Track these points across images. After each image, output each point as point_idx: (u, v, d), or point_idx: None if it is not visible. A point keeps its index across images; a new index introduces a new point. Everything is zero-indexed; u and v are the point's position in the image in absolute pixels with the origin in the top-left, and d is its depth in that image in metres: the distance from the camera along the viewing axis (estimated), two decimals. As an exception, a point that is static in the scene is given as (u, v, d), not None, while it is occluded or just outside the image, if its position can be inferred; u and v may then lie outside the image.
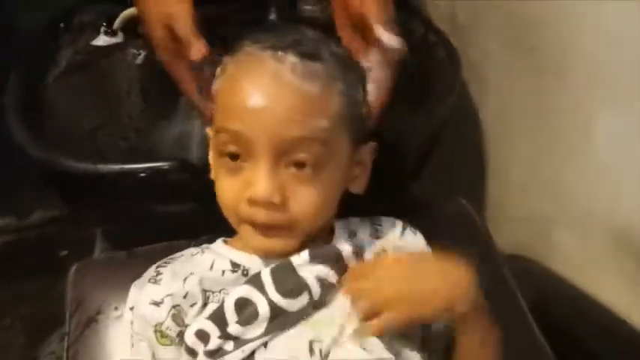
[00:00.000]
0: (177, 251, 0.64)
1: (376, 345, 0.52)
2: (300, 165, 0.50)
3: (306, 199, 0.51)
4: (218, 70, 0.55)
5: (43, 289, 1.26)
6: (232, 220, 0.56)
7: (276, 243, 0.53)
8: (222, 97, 0.53)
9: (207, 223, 0.69)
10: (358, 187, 0.58)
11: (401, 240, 0.62)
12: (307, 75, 0.49)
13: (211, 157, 0.59)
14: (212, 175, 0.61)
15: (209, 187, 0.67)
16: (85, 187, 0.74)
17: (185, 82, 0.59)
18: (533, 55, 0.85)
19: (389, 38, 0.54)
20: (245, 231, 0.55)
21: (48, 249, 1.37)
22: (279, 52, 0.50)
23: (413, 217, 0.67)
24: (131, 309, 0.59)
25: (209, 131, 0.58)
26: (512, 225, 0.92)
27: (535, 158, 0.90)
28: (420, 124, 0.85)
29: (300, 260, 0.55)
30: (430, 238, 0.66)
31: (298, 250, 0.55)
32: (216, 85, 0.55)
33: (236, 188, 0.52)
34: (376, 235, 0.62)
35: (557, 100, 0.83)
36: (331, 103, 0.51)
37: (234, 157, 0.52)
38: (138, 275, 0.62)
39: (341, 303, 0.54)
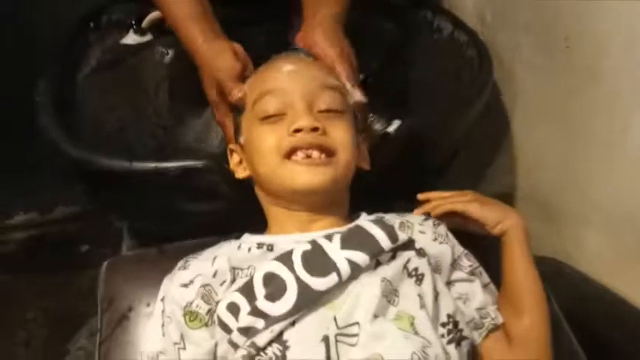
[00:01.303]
0: (206, 248, 0.64)
1: (408, 328, 0.53)
2: (326, 111, 0.63)
3: (340, 130, 0.62)
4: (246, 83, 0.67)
5: (65, 283, 1.27)
6: (274, 162, 0.60)
7: (317, 175, 0.59)
8: (258, 79, 0.66)
9: (236, 221, 0.70)
10: (365, 165, 0.69)
11: (424, 223, 0.66)
12: (316, 61, 0.68)
13: (235, 164, 0.68)
14: (238, 174, 0.67)
15: (239, 186, 0.68)
16: (118, 184, 0.75)
17: (229, 130, 0.70)
18: (566, 53, 0.83)
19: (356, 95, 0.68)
20: (288, 170, 0.60)
21: (70, 244, 1.38)
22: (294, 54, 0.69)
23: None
24: (162, 300, 0.61)
25: (232, 146, 0.68)
26: (541, 226, 0.91)
27: (566, 158, 0.89)
28: (450, 123, 0.84)
29: (332, 244, 0.56)
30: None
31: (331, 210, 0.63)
32: (248, 83, 0.67)
33: (280, 130, 0.61)
34: (401, 215, 0.67)
35: (590, 99, 0.81)
36: (336, 76, 0.66)
37: (273, 116, 0.62)
38: (168, 272, 0.63)
39: (371, 285, 0.54)
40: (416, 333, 0.53)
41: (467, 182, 0.84)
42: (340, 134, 0.61)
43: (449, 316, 0.58)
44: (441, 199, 0.70)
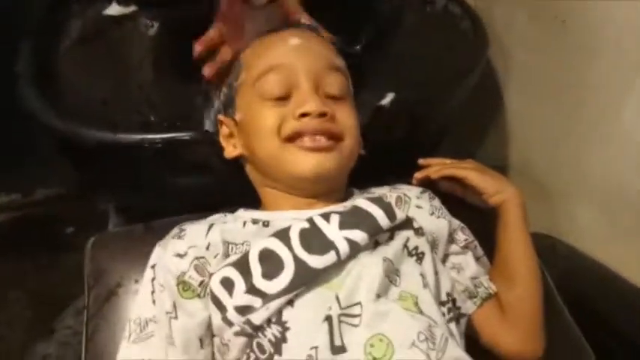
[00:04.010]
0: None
1: (413, 307, 0.52)
2: (331, 95, 0.60)
3: (346, 116, 0.60)
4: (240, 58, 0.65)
5: (49, 265, 1.26)
6: (274, 146, 0.58)
7: (323, 161, 0.57)
8: (262, 50, 0.63)
9: (227, 196, 0.68)
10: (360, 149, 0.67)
11: (421, 196, 0.65)
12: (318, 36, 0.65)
13: (224, 136, 0.65)
14: (228, 153, 0.65)
15: (229, 160, 0.66)
16: (103, 158, 0.72)
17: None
18: (562, 28, 0.82)
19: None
20: (291, 154, 0.57)
21: (53, 226, 1.36)
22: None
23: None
24: (153, 267, 0.59)
25: (222, 117, 0.66)
26: (534, 202, 0.90)
27: (560, 134, 0.88)
28: (444, 96, 0.83)
29: (330, 225, 0.54)
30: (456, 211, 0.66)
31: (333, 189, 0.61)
32: (249, 51, 0.63)
33: (284, 111, 0.58)
34: (394, 188, 0.67)
35: (586, 75, 0.80)
36: (339, 56, 0.64)
37: (277, 99, 0.59)
38: (156, 248, 0.61)
39: (373, 265, 0.53)
40: (421, 312, 0.52)
41: (459, 158, 0.83)
42: (347, 120, 0.60)
43: (448, 294, 0.57)
44: (442, 165, 0.69)
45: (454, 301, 0.57)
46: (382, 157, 0.74)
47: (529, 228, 0.66)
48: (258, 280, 0.52)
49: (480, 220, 0.68)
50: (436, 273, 0.57)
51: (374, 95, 0.75)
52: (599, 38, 0.77)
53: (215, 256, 0.56)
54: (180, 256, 0.56)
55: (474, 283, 0.63)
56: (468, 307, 0.61)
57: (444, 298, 0.57)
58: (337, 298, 0.51)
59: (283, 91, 0.59)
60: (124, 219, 0.92)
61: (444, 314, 0.55)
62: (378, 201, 0.57)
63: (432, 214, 0.63)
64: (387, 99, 0.74)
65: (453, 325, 0.55)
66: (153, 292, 0.57)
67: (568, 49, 0.83)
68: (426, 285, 0.54)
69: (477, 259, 0.66)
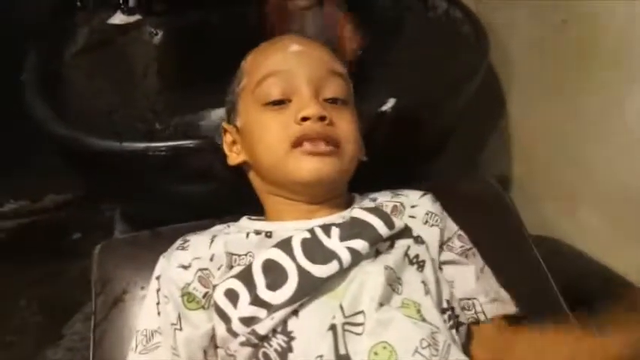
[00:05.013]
0: (202, 229, 0.63)
1: (415, 315, 0.52)
2: (332, 100, 0.61)
3: (346, 121, 0.61)
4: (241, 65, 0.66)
5: (56, 271, 1.27)
6: (281, 154, 0.58)
7: (324, 166, 0.58)
8: (262, 57, 0.64)
9: (232, 203, 0.68)
10: (361, 156, 0.67)
11: (419, 201, 0.64)
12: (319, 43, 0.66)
13: (228, 144, 0.66)
14: (231, 160, 0.65)
15: (233, 167, 0.67)
16: (109, 166, 0.73)
17: None
18: (564, 30, 0.82)
19: None
20: (294, 160, 0.58)
21: (61, 232, 1.37)
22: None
23: (440, 196, 0.67)
24: (157, 278, 0.59)
25: (225, 125, 0.66)
26: (537, 204, 0.91)
27: (562, 135, 0.88)
28: (446, 101, 0.83)
29: (331, 239, 0.55)
30: (458, 217, 0.65)
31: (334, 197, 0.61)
32: (250, 59, 0.65)
33: (284, 118, 0.59)
34: (395, 194, 0.66)
35: (588, 76, 0.80)
36: (340, 61, 0.65)
37: (277, 102, 0.60)
38: (162, 254, 0.61)
39: (375, 273, 0.53)
40: (424, 320, 0.52)
41: (462, 162, 0.83)
42: (346, 125, 0.60)
43: (447, 301, 0.57)
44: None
45: (452, 308, 0.57)
46: (384, 162, 0.74)
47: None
48: (263, 291, 0.52)
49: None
50: (437, 280, 0.57)
51: (375, 101, 0.76)
52: (600, 37, 0.77)
53: (219, 268, 0.56)
54: (184, 267, 0.57)
55: (462, 305, 0.60)
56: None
57: (444, 305, 0.57)
58: (341, 307, 0.51)
59: (283, 95, 0.60)
60: (130, 225, 0.93)
61: (444, 321, 0.55)
62: (376, 211, 0.58)
63: (426, 222, 0.62)
64: (389, 105, 0.75)
65: (453, 332, 0.55)
66: (158, 303, 0.57)
67: (569, 50, 0.83)
68: (427, 292, 0.54)
69: (479, 270, 0.63)
